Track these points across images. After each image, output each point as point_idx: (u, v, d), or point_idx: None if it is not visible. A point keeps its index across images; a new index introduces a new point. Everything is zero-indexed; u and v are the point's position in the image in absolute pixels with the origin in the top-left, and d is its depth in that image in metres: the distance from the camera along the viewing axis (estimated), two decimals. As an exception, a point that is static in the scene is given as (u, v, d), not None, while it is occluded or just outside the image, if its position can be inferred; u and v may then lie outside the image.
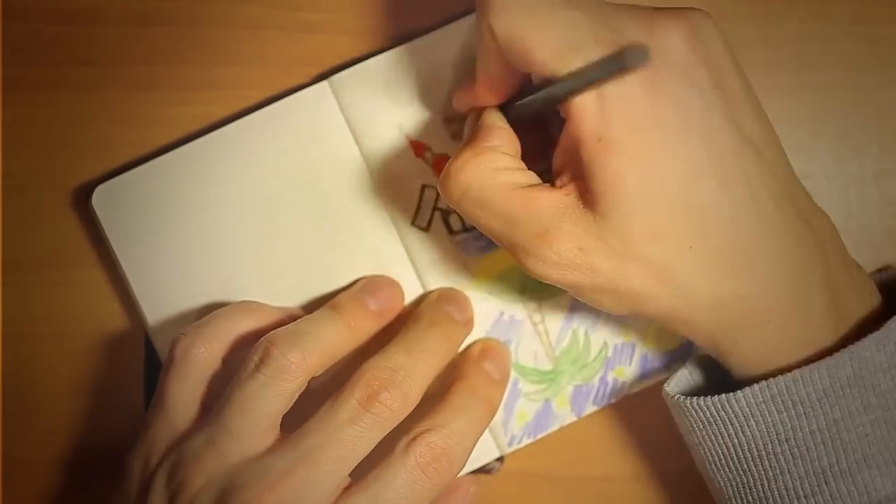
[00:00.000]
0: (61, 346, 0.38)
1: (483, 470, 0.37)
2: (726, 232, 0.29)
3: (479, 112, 0.33)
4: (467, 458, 0.32)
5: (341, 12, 0.38)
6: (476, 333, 0.37)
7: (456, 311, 0.36)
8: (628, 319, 0.37)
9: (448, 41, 0.36)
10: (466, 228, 0.37)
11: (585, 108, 0.28)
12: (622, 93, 0.28)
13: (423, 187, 0.37)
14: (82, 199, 0.37)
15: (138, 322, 0.37)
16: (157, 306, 0.36)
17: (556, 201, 0.29)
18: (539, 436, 0.37)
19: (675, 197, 0.29)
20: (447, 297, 0.36)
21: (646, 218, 0.28)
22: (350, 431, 0.30)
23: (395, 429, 0.32)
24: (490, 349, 0.36)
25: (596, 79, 0.27)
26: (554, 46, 0.28)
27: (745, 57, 0.38)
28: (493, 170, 0.30)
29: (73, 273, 0.38)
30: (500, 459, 0.38)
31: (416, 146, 0.37)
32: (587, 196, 0.29)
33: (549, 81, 0.29)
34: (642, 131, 0.28)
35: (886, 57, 0.38)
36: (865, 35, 0.38)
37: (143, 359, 0.38)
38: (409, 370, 0.32)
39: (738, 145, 0.29)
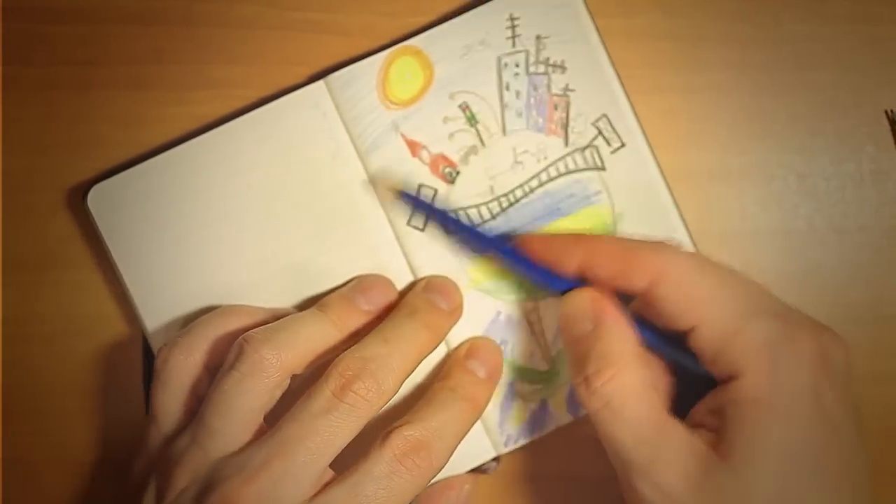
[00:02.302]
0: (59, 347, 0.38)
1: (479, 470, 0.37)
2: None
3: (598, 309, 0.33)
4: (449, 455, 0.32)
5: (337, 12, 0.38)
6: (472, 333, 0.37)
7: (441, 300, 0.35)
8: None
9: (444, 40, 0.36)
10: (462, 228, 0.37)
11: (753, 377, 0.30)
12: (793, 367, 0.30)
13: (420, 187, 0.37)
14: (78, 199, 0.37)
15: (135, 322, 0.37)
16: (154, 307, 0.36)
17: (690, 441, 0.30)
18: (535, 436, 0.37)
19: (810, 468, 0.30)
20: (432, 286, 0.36)
21: (780, 480, 0.29)
22: (325, 422, 0.31)
23: (377, 427, 0.32)
24: (477, 348, 0.36)
25: None
26: (724, 315, 0.30)
27: (744, 56, 0.38)
28: (641, 386, 0.31)
29: (70, 273, 0.38)
30: (497, 459, 0.37)
31: (413, 145, 0.37)
32: (721, 447, 0.30)
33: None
34: (800, 406, 0.29)
35: (885, 56, 0.38)
36: (864, 35, 0.38)
37: (140, 359, 0.38)
38: (385, 359, 0.32)
39: (863, 463, 0.31)
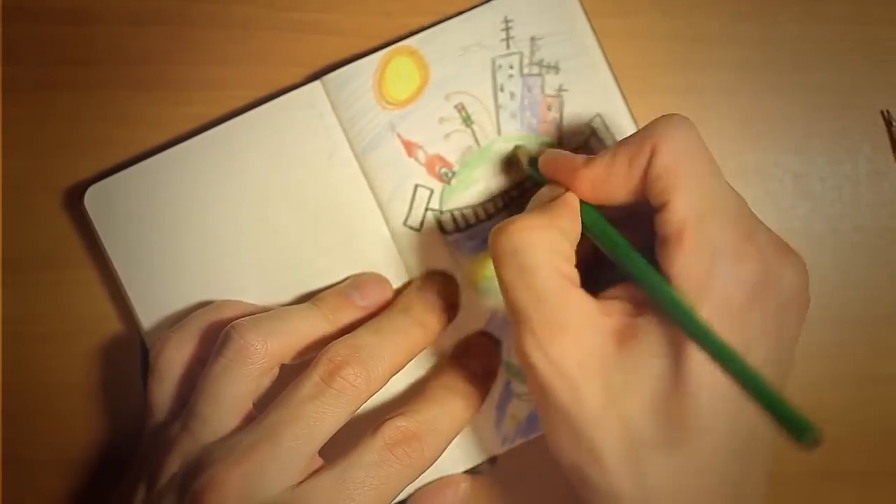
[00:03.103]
0: (57, 347, 0.38)
1: (476, 470, 0.37)
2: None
3: (562, 185, 0.32)
4: (441, 449, 0.32)
5: (334, 12, 0.38)
6: (468, 332, 0.37)
7: (437, 298, 0.35)
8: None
9: (441, 41, 0.36)
10: (458, 228, 0.37)
11: (690, 278, 0.28)
12: (729, 287, 0.28)
13: (416, 187, 0.37)
14: (75, 199, 0.37)
15: (132, 322, 0.37)
16: (151, 307, 0.36)
17: (592, 312, 0.29)
18: (532, 436, 0.37)
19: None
20: (428, 284, 0.36)
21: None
22: (311, 407, 0.31)
23: (369, 420, 0.32)
24: (475, 345, 0.36)
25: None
26: (690, 205, 0.29)
27: (740, 56, 0.38)
28: (551, 249, 0.29)
29: (67, 273, 0.38)
30: (494, 459, 0.38)
31: (409, 146, 0.37)
32: (624, 331, 0.29)
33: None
34: (722, 325, 0.28)
35: (881, 57, 0.38)
36: (860, 36, 0.38)
37: (139, 358, 0.38)
38: (375, 348, 0.32)
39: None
